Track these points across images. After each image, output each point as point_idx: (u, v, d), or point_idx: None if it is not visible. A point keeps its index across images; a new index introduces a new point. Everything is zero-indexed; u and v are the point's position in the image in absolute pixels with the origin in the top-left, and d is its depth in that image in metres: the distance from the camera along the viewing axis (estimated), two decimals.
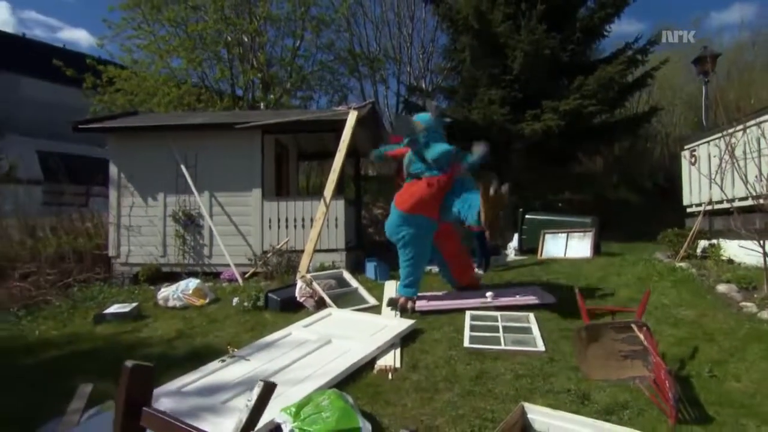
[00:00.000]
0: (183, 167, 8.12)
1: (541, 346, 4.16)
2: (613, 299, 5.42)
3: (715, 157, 6.61)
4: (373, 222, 14.47)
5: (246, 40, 13.11)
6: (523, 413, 2.93)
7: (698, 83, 12.04)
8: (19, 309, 6.26)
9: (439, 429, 2.96)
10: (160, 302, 6.13)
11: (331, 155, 8.74)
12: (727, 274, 5.60)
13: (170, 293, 6.13)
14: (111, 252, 8.27)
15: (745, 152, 5.81)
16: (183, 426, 1.51)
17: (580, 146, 13.83)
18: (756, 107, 7.39)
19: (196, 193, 8.05)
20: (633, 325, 3.35)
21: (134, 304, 5.88)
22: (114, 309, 5.73)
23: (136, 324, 5.45)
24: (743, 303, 4.86)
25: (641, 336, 3.24)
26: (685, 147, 7.84)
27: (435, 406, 3.21)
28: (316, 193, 14.88)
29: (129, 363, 1.52)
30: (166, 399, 3.30)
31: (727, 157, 5.83)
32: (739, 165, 5.70)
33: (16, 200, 12.18)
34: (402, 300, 5.39)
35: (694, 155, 7.40)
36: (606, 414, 3.02)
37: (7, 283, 6.78)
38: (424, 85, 17.58)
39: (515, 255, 9.47)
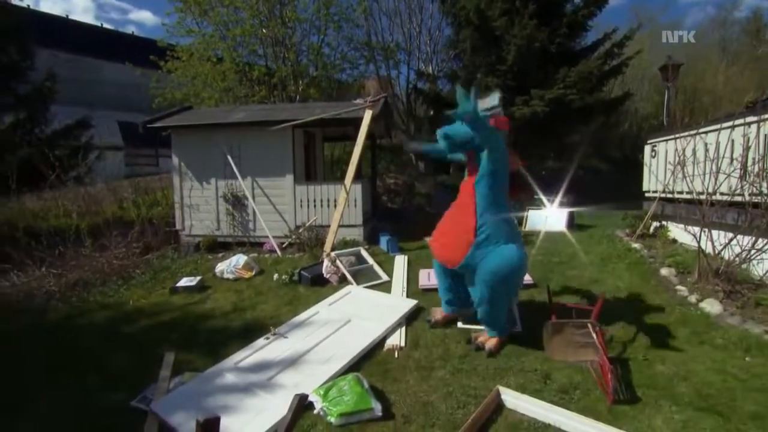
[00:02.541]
0: (229, 157, 8.24)
1: (518, 327, 4.35)
2: (579, 280, 5.53)
3: (669, 153, 6.56)
4: (387, 190, 14.55)
5: (279, 38, 12.74)
6: (498, 394, 3.19)
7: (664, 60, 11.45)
8: (117, 278, 6.60)
9: (433, 405, 3.20)
10: (217, 274, 6.43)
11: (351, 138, 8.71)
12: (669, 259, 5.69)
13: (225, 267, 6.43)
14: (178, 225, 8.59)
15: (694, 154, 5.77)
16: None
17: (562, 125, 13.50)
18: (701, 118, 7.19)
19: (240, 178, 8.21)
20: (588, 325, 3.53)
21: (199, 278, 6.19)
22: (184, 282, 6.05)
23: (201, 296, 5.76)
24: (678, 287, 4.99)
25: (594, 336, 3.42)
26: (648, 142, 7.68)
27: (431, 383, 3.46)
28: (339, 162, 15.04)
29: (200, 418, 1.74)
30: (229, 374, 3.63)
31: (679, 158, 5.80)
32: (685, 167, 5.66)
33: (104, 170, 12.61)
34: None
35: (654, 150, 7.27)
36: (561, 392, 3.24)
37: (107, 254, 7.11)
38: (430, 69, 16.98)
39: None
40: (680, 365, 3.51)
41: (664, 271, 5.47)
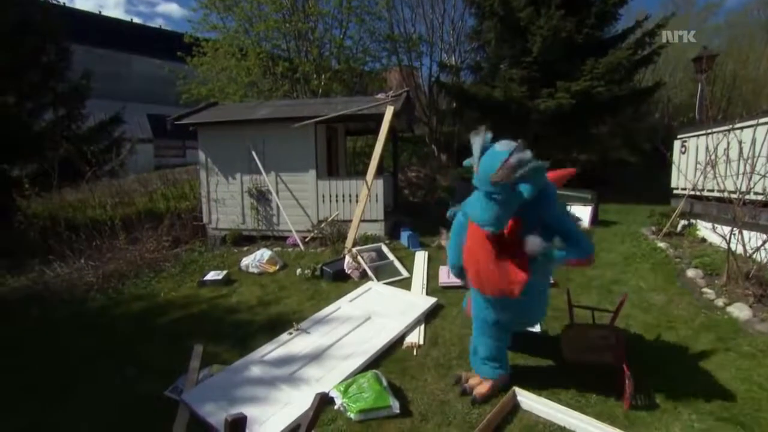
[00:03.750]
0: (253, 152, 8.43)
1: (537, 327, 4.37)
2: (600, 280, 5.47)
3: (700, 149, 6.34)
4: (408, 184, 14.55)
5: (302, 32, 12.83)
6: (514, 395, 3.24)
7: (699, 48, 10.87)
8: (149, 270, 6.92)
9: (450, 403, 3.27)
10: (243, 268, 6.66)
11: (373, 132, 8.75)
12: (696, 260, 5.52)
13: (250, 262, 6.64)
14: (205, 219, 8.89)
15: (727, 152, 5.55)
16: None
17: (589, 117, 13.13)
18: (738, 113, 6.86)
19: (264, 173, 8.41)
20: (607, 329, 3.52)
21: (225, 272, 6.43)
22: (211, 276, 6.30)
23: (227, 289, 6.00)
24: (705, 289, 4.86)
25: (613, 339, 3.40)
26: (678, 136, 7.41)
27: (448, 382, 3.53)
28: (361, 155, 15.12)
29: (228, 417, 1.86)
30: (254, 368, 3.80)
31: (710, 157, 5.60)
32: (716, 167, 5.45)
33: (136, 163, 13.13)
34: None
35: (684, 145, 7.02)
36: (578, 396, 3.24)
37: (139, 247, 7.46)
38: (453, 61, 16.73)
39: None
40: (703, 372, 3.45)
41: (690, 273, 5.32)
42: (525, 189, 2.45)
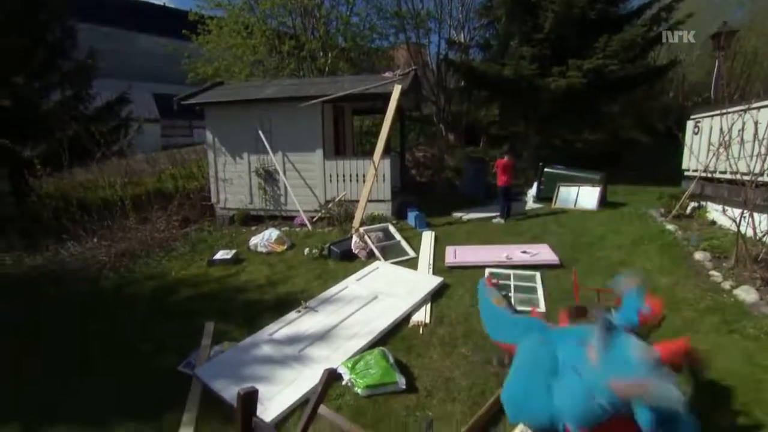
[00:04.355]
0: (260, 132, 8.43)
1: (542, 307, 4.41)
2: (607, 261, 5.47)
3: (714, 130, 6.21)
4: (416, 164, 14.46)
5: (308, 9, 12.59)
6: None
7: (719, 23, 10.45)
8: (159, 250, 7.04)
9: (455, 380, 3.37)
10: (251, 248, 6.75)
11: (380, 111, 8.71)
12: (705, 242, 5.48)
13: (258, 241, 6.73)
14: (213, 199, 8.98)
15: (741, 133, 5.44)
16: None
17: (600, 96, 12.87)
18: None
19: (271, 152, 8.42)
20: (612, 309, 3.54)
21: (234, 251, 6.53)
22: (220, 255, 6.40)
23: (236, 268, 6.11)
24: (712, 272, 4.85)
25: None
26: (692, 117, 7.25)
27: (453, 360, 3.63)
28: (368, 134, 15.01)
29: (241, 390, 1.94)
30: (264, 345, 3.92)
31: (723, 138, 5.50)
32: (730, 148, 5.36)
33: (143, 142, 13.18)
34: None
35: (698, 126, 6.88)
36: None
37: (149, 227, 7.57)
38: (462, 38, 16.36)
39: (533, 203, 9.43)
40: (705, 354, 3.47)
41: (698, 255, 5.30)
42: (643, 414, 1.91)
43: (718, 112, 6.00)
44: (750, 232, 4.97)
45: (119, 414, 3.22)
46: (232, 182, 8.86)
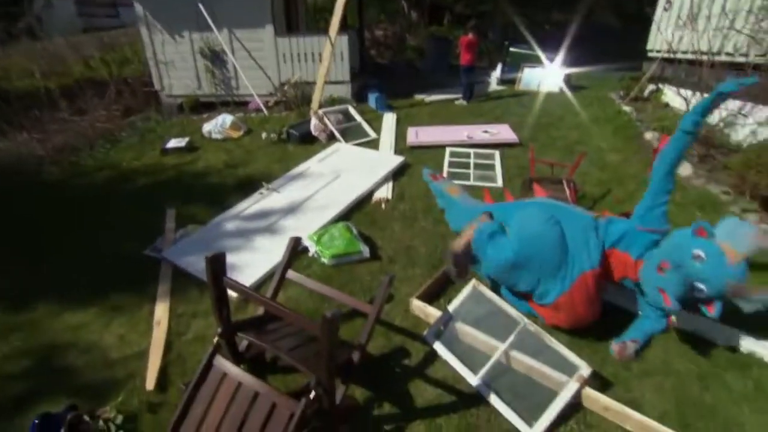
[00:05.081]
0: (200, 5, 7.43)
1: (499, 182, 4.66)
2: (564, 141, 5.68)
3: (685, 4, 6.07)
4: (375, 43, 13.52)
5: None
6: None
7: None
8: (104, 141, 6.55)
9: (415, 248, 3.63)
10: (205, 134, 6.43)
11: None
12: (656, 123, 5.74)
13: (212, 128, 6.39)
14: (156, 85, 8.18)
15: (710, 5, 5.36)
16: (247, 290, 2.06)
17: None
18: None
19: (215, 29, 7.55)
20: (564, 181, 3.79)
21: (187, 138, 6.19)
22: (173, 143, 6.07)
23: (192, 156, 5.87)
24: None
25: (567, 191, 3.70)
26: None
27: (414, 231, 3.86)
28: (323, 11, 13.60)
29: (208, 254, 2.00)
30: (231, 224, 3.98)
31: (693, 9, 5.41)
32: (697, 20, 5.31)
33: (57, 22, 11.34)
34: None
35: (669, 1, 6.67)
36: None
37: (87, 117, 6.91)
38: None
39: (497, 85, 9.29)
40: None
41: (648, 135, 5.59)
42: (718, 306, 2.23)
43: None
44: None
45: (92, 294, 3.31)
46: (175, 65, 8.02)
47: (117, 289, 3.35)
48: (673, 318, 2.61)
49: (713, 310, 2.22)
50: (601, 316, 2.67)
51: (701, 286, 2.23)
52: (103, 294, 3.30)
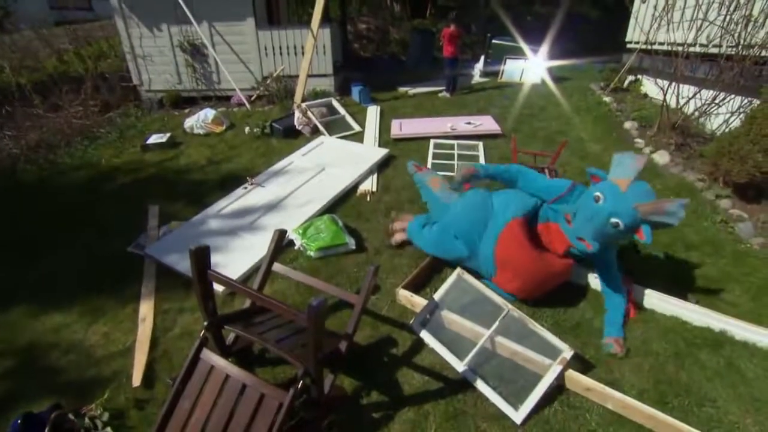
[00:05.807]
0: None
1: None
2: (546, 131, 5.76)
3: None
4: (358, 36, 13.43)
5: None
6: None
7: None
8: (82, 138, 6.37)
9: None
10: (187, 130, 6.33)
11: None
12: (635, 113, 5.88)
13: (194, 123, 6.29)
14: (135, 80, 7.98)
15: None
16: (233, 282, 2.05)
17: None
18: None
19: (194, 22, 7.37)
20: (546, 170, 3.86)
21: (168, 134, 6.09)
22: (154, 139, 5.96)
23: (174, 152, 5.77)
24: (637, 139, 5.31)
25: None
26: None
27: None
28: (304, 3, 13.43)
29: (192, 246, 1.98)
30: (214, 221, 3.94)
31: (669, 1, 5.52)
32: (671, 14, 5.43)
33: (26, 13, 10.91)
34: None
35: None
36: None
37: (63, 113, 6.71)
38: None
39: (480, 77, 9.33)
40: None
41: (627, 125, 5.71)
42: (646, 230, 2.41)
43: None
44: (674, 103, 5.34)
45: (75, 292, 3.26)
46: (153, 59, 7.84)
47: (100, 287, 3.30)
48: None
49: (643, 236, 2.39)
50: (563, 282, 2.91)
51: (615, 220, 2.45)
52: (86, 292, 3.25)
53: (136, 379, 2.49)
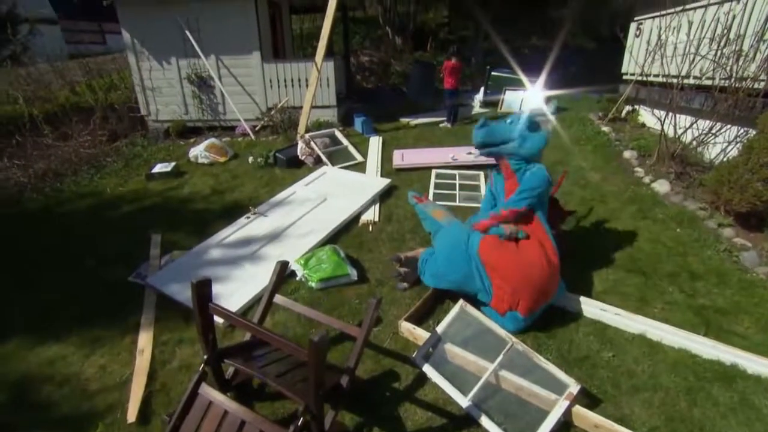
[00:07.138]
0: (187, 32, 7.53)
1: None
2: (545, 161, 5.70)
3: (654, 32, 6.39)
4: (361, 68, 13.79)
5: None
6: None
7: None
8: (89, 167, 6.48)
9: None
10: (192, 159, 6.42)
11: (320, 9, 7.97)
12: (634, 142, 5.94)
13: (198, 152, 6.39)
14: (143, 111, 8.18)
15: (677, 32, 5.65)
16: (234, 315, 2.04)
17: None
18: None
19: (202, 56, 7.64)
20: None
21: (173, 163, 6.18)
22: (159, 168, 6.04)
23: (179, 181, 5.83)
24: (636, 168, 5.34)
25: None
26: (635, 19, 7.35)
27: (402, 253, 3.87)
28: (309, 37, 13.90)
29: (194, 279, 1.98)
30: (216, 250, 3.93)
31: (659, 38, 5.69)
32: (663, 49, 5.58)
33: (43, 48, 11.29)
34: None
35: (639, 28, 7.02)
36: None
37: (72, 143, 6.84)
38: None
39: (480, 107, 9.51)
40: (622, 236, 4.00)
41: (626, 154, 5.77)
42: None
43: (658, 13, 6.12)
44: (672, 133, 5.42)
45: (75, 321, 3.22)
46: (162, 91, 8.06)
47: (99, 316, 3.27)
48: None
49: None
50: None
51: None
52: (84, 322, 3.21)
53: (131, 415, 2.42)
